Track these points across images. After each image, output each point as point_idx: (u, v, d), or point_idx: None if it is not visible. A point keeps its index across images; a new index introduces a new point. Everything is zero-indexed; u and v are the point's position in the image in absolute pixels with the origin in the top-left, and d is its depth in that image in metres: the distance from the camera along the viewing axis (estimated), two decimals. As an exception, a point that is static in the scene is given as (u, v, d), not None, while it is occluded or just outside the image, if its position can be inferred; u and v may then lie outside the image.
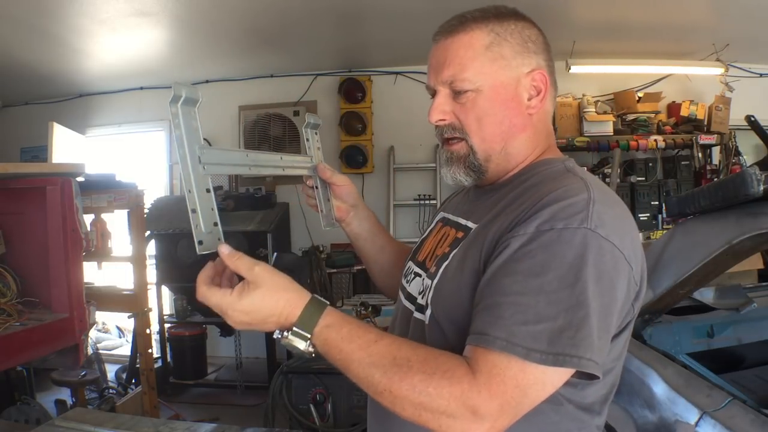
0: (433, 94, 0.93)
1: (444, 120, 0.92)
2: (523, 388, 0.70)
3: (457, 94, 0.90)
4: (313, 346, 0.78)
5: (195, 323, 4.33)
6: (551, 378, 0.72)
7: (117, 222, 2.85)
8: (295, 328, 0.77)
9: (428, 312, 0.89)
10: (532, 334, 0.70)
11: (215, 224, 0.81)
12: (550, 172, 0.88)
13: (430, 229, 1.09)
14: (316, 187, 1.14)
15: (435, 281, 0.89)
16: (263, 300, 0.77)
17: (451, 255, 0.89)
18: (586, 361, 0.71)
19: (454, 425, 0.71)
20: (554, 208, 0.75)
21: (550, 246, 0.73)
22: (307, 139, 1.16)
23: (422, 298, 0.93)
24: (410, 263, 1.06)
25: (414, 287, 0.98)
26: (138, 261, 2.71)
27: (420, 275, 0.98)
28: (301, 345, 0.77)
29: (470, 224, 0.92)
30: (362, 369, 0.75)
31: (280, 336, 0.78)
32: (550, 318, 0.70)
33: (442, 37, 0.91)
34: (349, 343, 0.76)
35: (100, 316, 5.05)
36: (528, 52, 0.92)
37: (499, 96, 0.89)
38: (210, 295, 0.78)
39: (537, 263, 0.73)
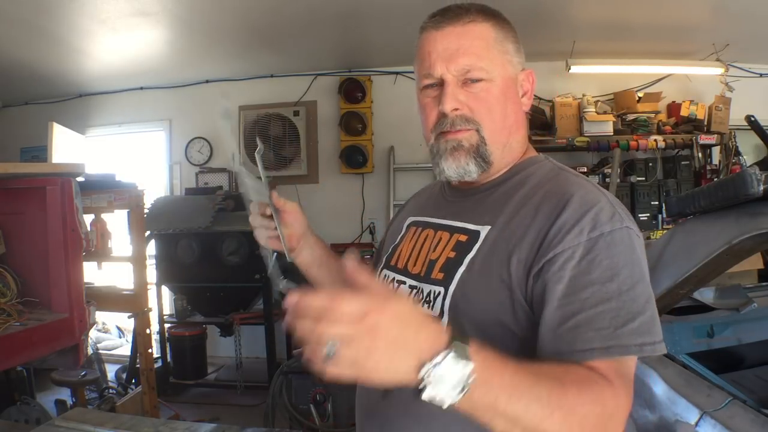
0: (438, 82, 0.90)
1: (458, 109, 0.89)
2: (634, 375, 0.76)
3: (467, 83, 0.89)
4: (471, 375, 0.60)
5: (195, 323, 4.33)
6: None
7: (117, 222, 2.86)
8: (456, 342, 0.61)
9: (444, 320, 0.85)
10: (635, 331, 0.73)
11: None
12: (546, 172, 0.92)
13: (401, 235, 1.05)
14: (271, 216, 1.01)
15: (452, 288, 0.86)
16: (410, 308, 0.61)
17: (466, 260, 0.86)
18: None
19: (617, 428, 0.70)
20: (591, 215, 0.79)
21: (609, 249, 0.77)
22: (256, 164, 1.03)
23: (425, 305, 0.89)
24: (385, 271, 1.02)
25: None
26: (138, 261, 2.71)
27: (404, 282, 0.95)
28: (461, 369, 0.59)
29: (471, 226, 0.90)
30: (529, 390, 0.64)
31: (430, 367, 0.59)
32: (640, 312, 0.75)
33: (447, 24, 0.90)
34: (506, 364, 0.65)
35: (100, 316, 5.06)
36: (520, 53, 0.95)
37: (508, 89, 0.92)
38: (358, 296, 0.58)
39: (606, 268, 0.76)
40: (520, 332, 0.81)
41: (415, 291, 0.92)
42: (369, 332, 0.56)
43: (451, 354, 0.59)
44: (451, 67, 0.88)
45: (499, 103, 0.90)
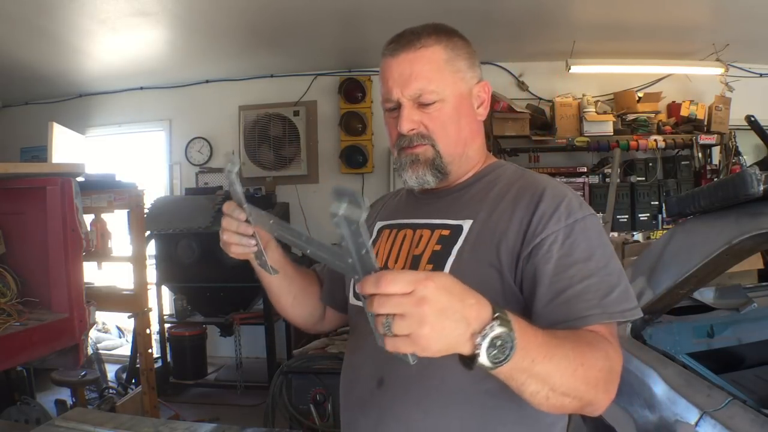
0: (396, 105, 0.98)
1: (414, 129, 0.98)
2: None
3: (422, 105, 0.97)
4: (516, 340, 0.65)
5: (195, 323, 4.34)
6: None
7: (117, 222, 2.86)
8: (498, 314, 0.65)
9: None
10: (617, 300, 0.85)
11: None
12: (511, 173, 1.04)
13: (373, 239, 1.09)
14: (252, 235, 0.97)
15: None
16: (452, 280, 0.65)
17: (455, 250, 0.94)
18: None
19: (614, 387, 0.80)
20: (564, 205, 0.91)
21: (584, 233, 0.89)
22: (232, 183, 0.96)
23: None
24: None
25: None
26: (138, 261, 2.71)
27: None
28: (507, 335, 0.64)
29: (451, 222, 0.98)
30: (557, 349, 0.72)
31: (482, 334, 0.63)
32: (617, 284, 0.87)
33: (401, 51, 0.97)
34: (536, 329, 0.71)
35: (100, 316, 5.06)
36: (474, 66, 1.02)
37: (461, 105, 0.99)
38: (400, 273, 0.62)
39: (584, 249, 0.88)
40: None
41: None
42: (418, 304, 0.60)
43: (498, 321, 0.64)
44: (406, 92, 0.97)
45: (453, 120, 0.99)
